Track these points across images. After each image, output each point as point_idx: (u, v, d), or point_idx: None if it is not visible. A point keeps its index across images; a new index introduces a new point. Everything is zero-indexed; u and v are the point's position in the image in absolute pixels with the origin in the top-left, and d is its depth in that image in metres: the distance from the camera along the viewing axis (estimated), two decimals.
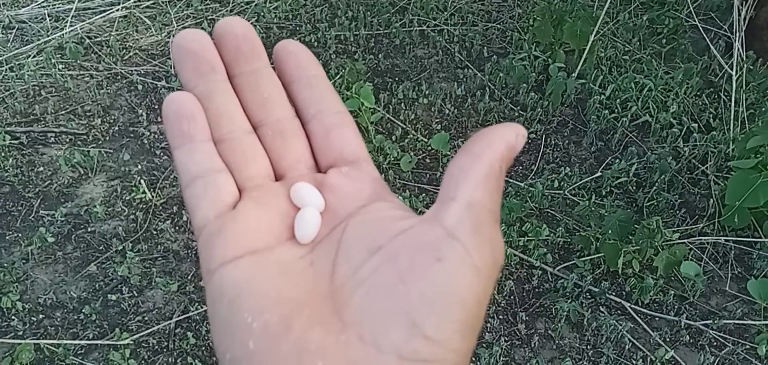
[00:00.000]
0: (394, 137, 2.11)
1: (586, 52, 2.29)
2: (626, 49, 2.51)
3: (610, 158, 2.10)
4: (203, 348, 1.56)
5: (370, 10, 2.70)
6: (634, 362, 1.57)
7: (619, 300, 1.69)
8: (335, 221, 0.29)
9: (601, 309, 1.68)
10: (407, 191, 1.93)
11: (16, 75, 2.30)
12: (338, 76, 2.30)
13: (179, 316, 1.61)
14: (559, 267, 1.76)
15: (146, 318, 1.61)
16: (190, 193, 0.30)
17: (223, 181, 0.30)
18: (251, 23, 2.64)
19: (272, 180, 0.32)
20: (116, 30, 2.55)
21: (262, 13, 2.67)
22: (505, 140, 0.27)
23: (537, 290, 1.72)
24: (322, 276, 0.27)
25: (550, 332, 1.63)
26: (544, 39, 2.40)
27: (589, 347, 1.61)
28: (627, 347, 1.60)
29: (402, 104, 2.24)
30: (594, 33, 2.28)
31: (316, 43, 2.52)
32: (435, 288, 0.24)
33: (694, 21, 2.43)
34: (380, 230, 0.27)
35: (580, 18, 2.35)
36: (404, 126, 2.16)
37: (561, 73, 2.21)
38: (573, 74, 2.25)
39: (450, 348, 0.24)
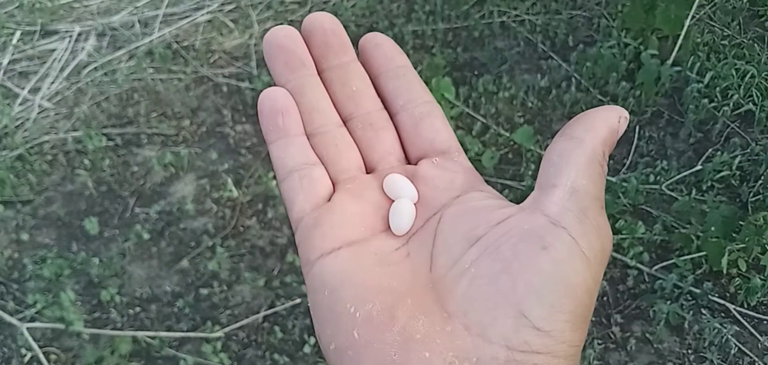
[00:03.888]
0: (474, 132, 2.06)
1: (681, 37, 2.15)
2: (725, 33, 2.35)
3: (710, 150, 1.96)
4: (290, 342, 1.58)
5: (447, 3, 2.65)
6: None
7: (723, 301, 1.58)
8: (429, 213, 0.29)
9: (704, 312, 1.57)
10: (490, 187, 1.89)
11: (110, 79, 2.42)
12: (417, 71, 2.28)
13: (266, 311, 1.64)
14: (656, 267, 1.66)
15: (236, 312, 1.65)
16: (286, 186, 0.30)
17: (318, 174, 0.30)
18: None
19: (364, 173, 0.32)
20: (201, 34, 2.64)
21: (339, 11, 2.69)
22: (607, 123, 0.26)
23: (632, 291, 1.63)
24: (420, 267, 0.27)
25: (647, 335, 1.54)
26: (634, 25, 2.28)
27: (690, 351, 1.51)
28: (732, 352, 1.49)
29: (482, 98, 2.19)
30: (689, 17, 2.14)
31: (393, 39, 2.51)
32: (542, 277, 0.23)
33: None
34: (478, 220, 0.27)
35: (673, 1, 2.21)
36: (485, 121, 2.10)
37: (654, 61, 2.09)
38: (667, 62, 2.12)
39: (561, 340, 0.23)
